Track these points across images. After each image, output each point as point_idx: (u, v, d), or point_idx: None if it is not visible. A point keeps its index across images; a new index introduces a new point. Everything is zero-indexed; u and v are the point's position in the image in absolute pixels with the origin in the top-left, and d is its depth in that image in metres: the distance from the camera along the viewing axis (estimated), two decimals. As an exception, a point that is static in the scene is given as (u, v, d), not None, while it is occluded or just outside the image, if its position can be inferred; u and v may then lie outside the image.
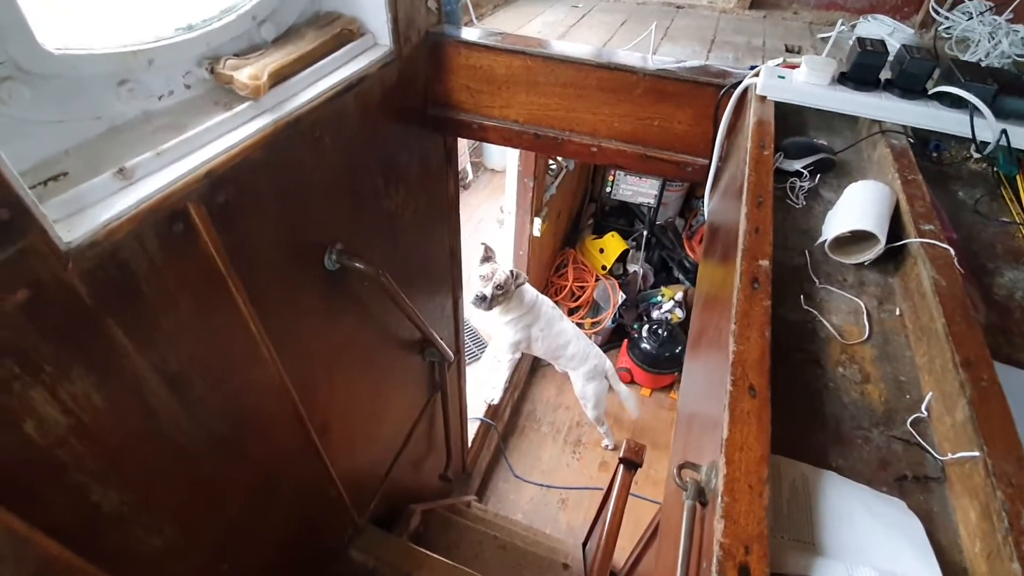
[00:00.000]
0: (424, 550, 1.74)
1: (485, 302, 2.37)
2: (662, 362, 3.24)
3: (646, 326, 3.31)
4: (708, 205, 1.25)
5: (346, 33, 1.08)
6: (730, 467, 0.46)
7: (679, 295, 3.55)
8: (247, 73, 0.86)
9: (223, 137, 0.81)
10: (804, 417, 0.62)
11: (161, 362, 0.76)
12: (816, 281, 0.78)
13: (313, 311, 1.12)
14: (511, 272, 2.43)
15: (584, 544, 2.45)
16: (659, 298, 3.61)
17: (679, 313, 3.47)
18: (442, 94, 1.36)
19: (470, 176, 4.87)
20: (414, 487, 2.15)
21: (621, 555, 1.99)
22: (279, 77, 0.91)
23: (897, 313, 0.74)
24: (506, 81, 1.29)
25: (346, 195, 1.12)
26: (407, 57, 1.19)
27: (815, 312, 0.73)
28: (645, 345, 3.25)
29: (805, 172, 0.96)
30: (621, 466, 1.93)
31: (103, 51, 0.73)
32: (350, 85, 1.02)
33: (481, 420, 2.95)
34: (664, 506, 0.99)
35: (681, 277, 3.78)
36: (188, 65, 0.85)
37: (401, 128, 1.28)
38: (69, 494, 0.67)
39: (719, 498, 0.45)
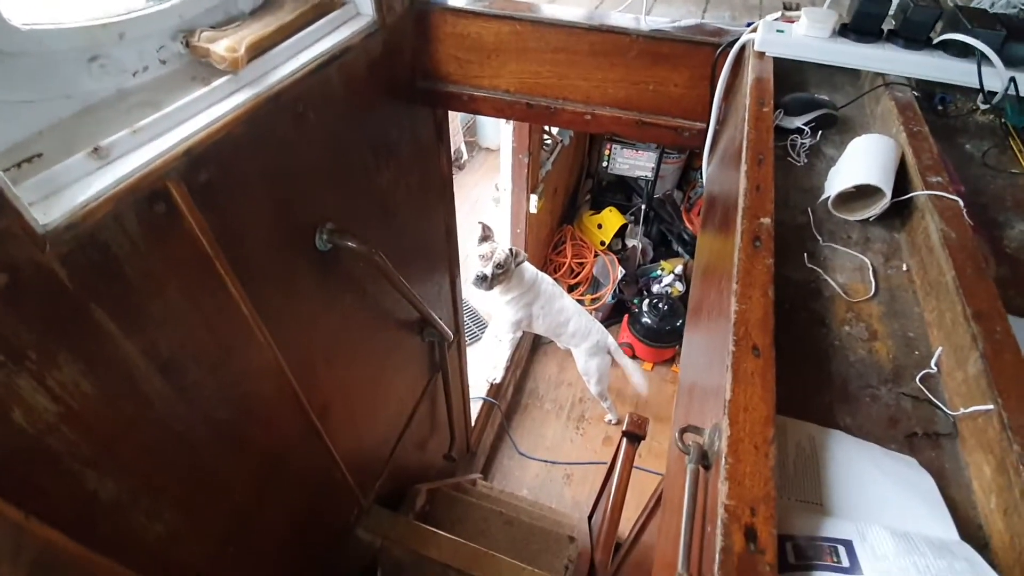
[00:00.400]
0: (430, 528, 1.76)
1: (486, 282, 2.35)
2: (663, 336, 3.24)
3: (646, 300, 3.30)
4: (706, 172, 1.22)
5: (327, 2, 1.04)
6: (734, 428, 0.45)
7: (679, 268, 3.53)
8: (224, 45, 0.82)
9: (202, 113, 0.78)
10: (810, 377, 0.60)
11: (151, 347, 0.74)
12: (819, 239, 0.76)
13: (308, 293, 1.10)
14: (510, 250, 2.40)
15: (589, 517, 2.48)
16: (659, 272, 3.59)
17: (679, 286, 3.46)
18: (430, 65, 1.31)
19: (464, 156, 4.80)
20: (419, 467, 2.16)
21: (626, 526, 2.01)
22: (258, 49, 0.87)
23: (904, 268, 0.72)
24: (495, 49, 1.25)
25: (335, 172, 1.09)
26: (392, 27, 1.15)
27: (819, 270, 0.71)
28: (646, 319, 3.24)
29: (806, 129, 0.93)
30: (624, 439, 1.94)
31: (72, 25, 0.70)
32: (333, 57, 0.99)
33: (484, 399, 2.96)
34: (667, 474, 0.98)
35: (680, 250, 3.75)
36: (162, 39, 0.81)
37: (389, 102, 1.24)
38: (64, 482, 0.66)
39: (723, 460, 0.43)
